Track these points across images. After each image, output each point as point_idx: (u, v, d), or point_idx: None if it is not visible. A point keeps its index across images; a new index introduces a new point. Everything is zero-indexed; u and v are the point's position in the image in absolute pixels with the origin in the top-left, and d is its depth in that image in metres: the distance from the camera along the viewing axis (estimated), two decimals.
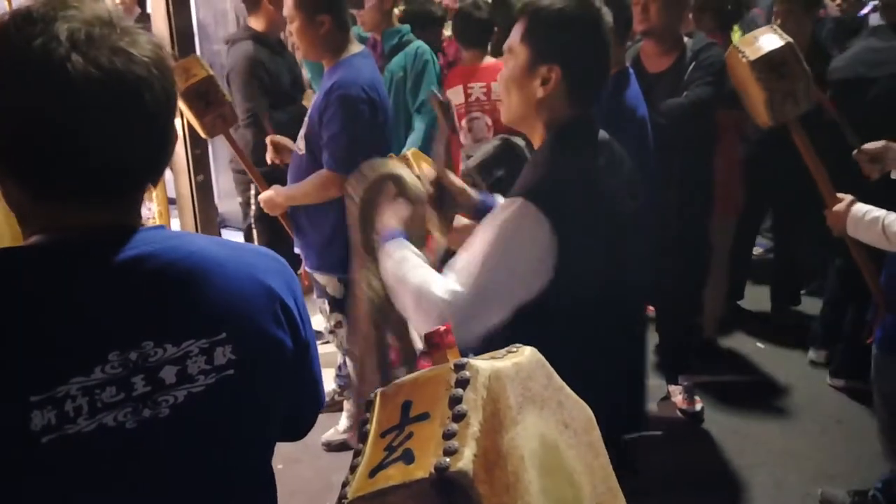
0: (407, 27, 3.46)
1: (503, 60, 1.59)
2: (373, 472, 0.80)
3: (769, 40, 2.21)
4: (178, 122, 1.20)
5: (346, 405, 3.22)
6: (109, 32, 0.88)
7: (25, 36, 0.85)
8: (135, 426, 0.90)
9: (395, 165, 1.76)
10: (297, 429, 1.23)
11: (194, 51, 4.10)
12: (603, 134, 1.64)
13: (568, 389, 0.95)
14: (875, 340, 2.21)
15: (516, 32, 1.55)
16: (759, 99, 2.20)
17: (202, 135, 3.05)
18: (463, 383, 0.82)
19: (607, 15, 1.54)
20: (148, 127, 0.92)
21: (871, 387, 2.29)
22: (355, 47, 2.78)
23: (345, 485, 0.83)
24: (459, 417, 0.79)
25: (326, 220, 2.82)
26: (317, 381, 1.19)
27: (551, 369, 0.94)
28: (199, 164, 4.38)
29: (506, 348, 0.93)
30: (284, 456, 2.95)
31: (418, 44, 3.38)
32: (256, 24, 3.60)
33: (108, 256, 0.91)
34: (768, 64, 2.16)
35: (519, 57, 1.54)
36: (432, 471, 0.75)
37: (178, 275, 0.94)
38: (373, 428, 0.87)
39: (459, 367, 0.84)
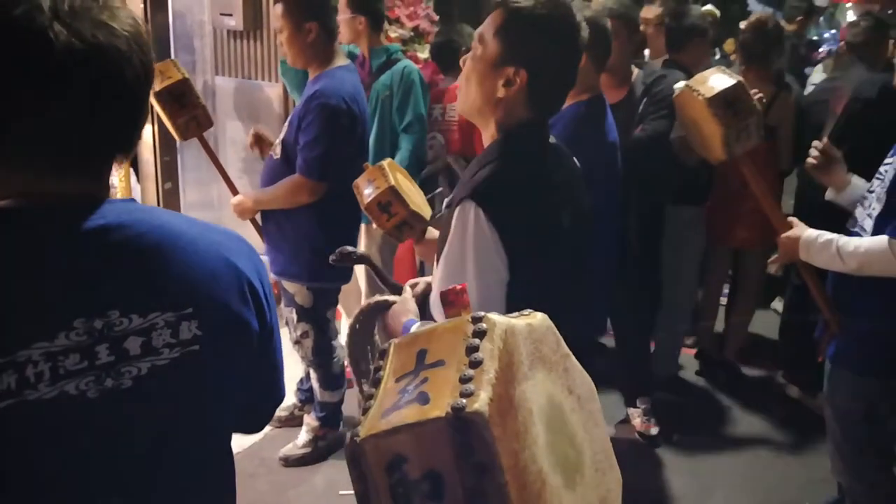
0: (396, 46, 3.53)
1: (472, 47, 1.56)
2: (386, 413, 0.82)
3: (721, 79, 2.32)
4: (148, 127, 1.21)
5: (307, 419, 3.18)
6: (91, 6, 0.89)
7: (7, 3, 0.85)
8: (96, 396, 0.89)
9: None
10: (255, 419, 1.22)
11: (169, 55, 4.13)
12: (555, 141, 1.63)
13: (573, 358, 0.98)
14: (827, 357, 2.28)
15: (491, 23, 1.50)
16: (715, 135, 2.28)
17: (175, 137, 3.04)
18: (480, 334, 0.85)
19: (584, 30, 1.53)
20: (125, 100, 0.93)
21: (824, 403, 2.37)
22: (342, 60, 2.83)
23: (355, 427, 0.84)
24: (476, 364, 0.81)
25: (296, 226, 2.83)
26: (278, 371, 1.19)
27: (559, 336, 0.96)
28: (168, 171, 4.37)
29: (518, 312, 0.95)
30: (241, 470, 2.87)
31: (405, 63, 3.44)
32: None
33: (76, 224, 0.91)
34: (724, 101, 2.25)
35: (488, 49, 1.50)
36: (449, 410, 0.77)
37: (146, 246, 0.94)
38: (386, 374, 0.88)
39: (477, 320, 0.86)
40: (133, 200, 1.04)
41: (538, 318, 0.94)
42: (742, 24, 3.96)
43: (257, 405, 1.18)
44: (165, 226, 0.97)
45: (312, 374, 3.09)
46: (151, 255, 0.94)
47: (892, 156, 2.17)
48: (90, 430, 0.90)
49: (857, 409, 2.23)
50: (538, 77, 1.49)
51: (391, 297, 1.57)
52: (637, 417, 3.35)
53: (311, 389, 3.20)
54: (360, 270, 3.34)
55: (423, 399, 0.80)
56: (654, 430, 3.32)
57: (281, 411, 3.33)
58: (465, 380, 0.80)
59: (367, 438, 0.81)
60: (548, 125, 1.61)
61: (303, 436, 3.16)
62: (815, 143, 2.38)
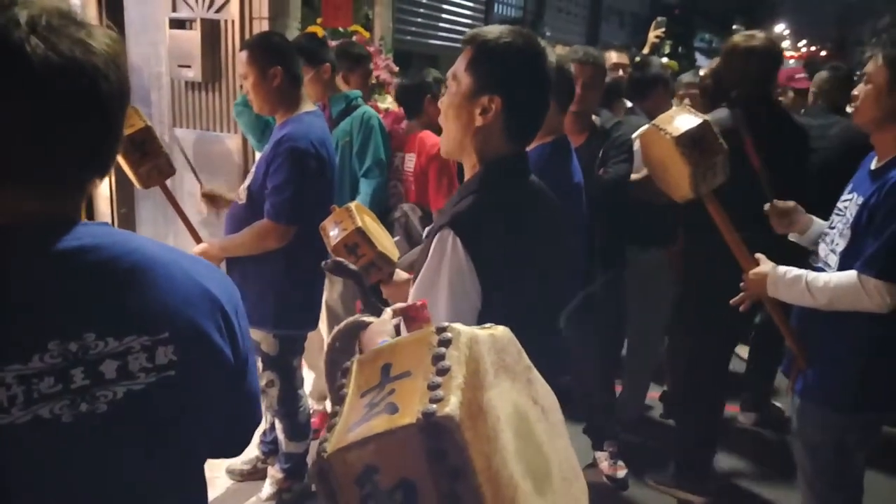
0: (356, 92, 3.58)
1: (448, 86, 1.62)
2: (353, 427, 0.81)
3: (687, 119, 2.37)
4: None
5: (271, 471, 3.10)
6: (68, 23, 0.89)
7: None
8: (71, 420, 0.88)
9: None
10: (233, 444, 1.20)
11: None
12: (535, 178, 1.68)
13: (536, 371, 0.98)
14: (796, 392, 2.29)
15: (462, 60, 1.57)
16: (682, 174, 2.32)
17: (137, 185, 3.02)
18: (445, 343, 0.84)
19: (551, 55, 1.63)
20: (100, 119, 0.92)
21: (793, 438, 2.38)
22: (308, 105, 2.86)
23: (322, 442, 0.82)
24: (443, 371, 0.81)
25: (261, 272, 2.80)
26: (254, 397, 1.18)
27: (521, 348, 0.97)
28: (125, 224, 4.32)
29: (479, 326, 0.95)
30: None
31: (365, 109, 3.50)
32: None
33: (50, 245, 0.90)
34: (691, 140, 2.30)
35: (462, 84, 1.56)
36: (419, 416, 0.76)
37: (121, 269, 0.94)
38: (351, 391, 0.87)
39: (441, 330, 0.86)
40: (107, 224, 1.03)
41: (500, 330, 0.94)
42: (686, 77, 4.14)
43: (234, 431, 1.16)
44: (141, 250, 0.97)
45: (277, 425, 3.03)
46: (128, 278, 0.93)
47: (849, 192, 2.24)
48: (64, 455, 0.88)
49: (826, 442, 2.24)
50: (512, 102, 1.55)
51: (369, 318, 1.57)
52: (604, 461, 3.33)
53: (275, 441, 3.13)
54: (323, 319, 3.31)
55: (392, 409, 0.79)
56: (622, 473, 3.31)
57: (243, 465, 3.24)
58: (433, 387, 0.79)
59: (335, 453, 0.79)
60: (527, 160, 1.66)
61: (267, 489, 3.08)
62: (770, 208, 2.46)
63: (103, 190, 4.18)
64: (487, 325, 0.95)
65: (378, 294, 2.04)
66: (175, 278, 0.98)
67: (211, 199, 3.08)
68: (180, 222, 3.12)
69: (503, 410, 0.84)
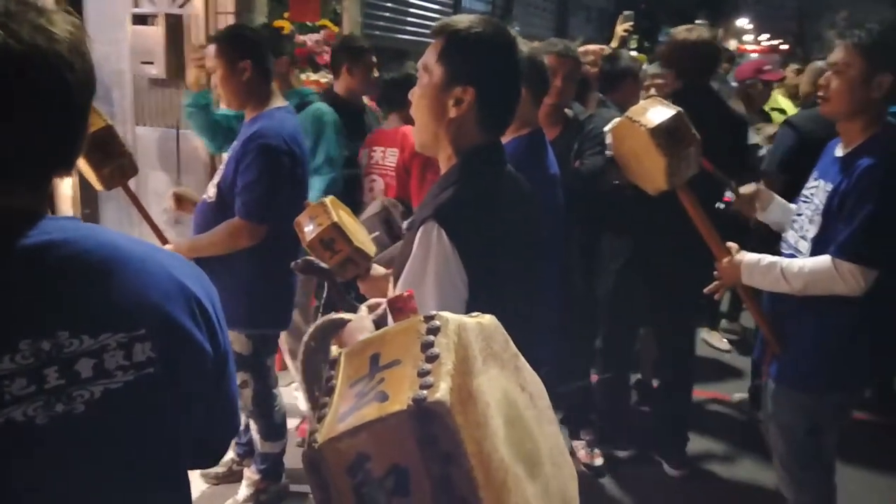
0: (309, 89, 3.57)
1: (419, 78, 1.61)
2: (343, 417, 0.79)
3: (660, 110, 2.38)
4: (67, 180, 1.13)
5: (247, 473, 3.06)
6: (27, 9, 0.86)
7: None
8: (46, 421, 0.85)
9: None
10: (210, 450, 1.18)
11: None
12: (511, 168, 1.68)
13: (522, 358, 0.98)
14: (770, 376, 2.33)
15: (432, 52, 1.56)
16: (658, 165, 2.33)
17: (99, 187, 2.95)
18: (434, 331, 0.84)
19: (522, 45, 1.62)
20: (66, 110, 0.89)
21: (767, 421, 2.41)
22: (279, 101, 2.82)
23: (312, 433, 0.81)
24: (433, 358, 0.80)
25: (232, 271, 2.75)
26: (233, 399, 1.15)
27: (508, 337, 0.96)
28: (87, 197, 4.20)
29: (467, 314, 0.94)
30: None
31: (318, 105, 3.47)
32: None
33: (16, 240, 0.86)
34: (666, 131, 2.30)
35: (434, 75, 1.55)
36: (410, 402, 0.75)
37: (93, 264, 0.91)
38: (339, 382, 0.86)
39: (429, 318, 0.86)
40: (76, 218, 1.00)
41: (487, 318, 0.94)
42: (651, 68, 4.18)
43: (213, 435, 1.13)
44: (113, 244, 0.94)
45: (252, 425, 2.99)
46: (100, 272, 0.90)
47: (815, 179, 2.28)
48: (39, 459, 0.85)
49: (800, 424, 2.28)
50: (485, 92, 1.54)
51: (346, 315, 1.55)
52: (581, 449, 3.36)
53: (249, 442, 3.10)
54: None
55: (382, 397, 0.78)
56: (599, 461, 3.34)
57: (218, 467, 3.20)
58: (423, 373, 0.78)
59: (327, 443, 0.78)
60: (503, 150, 1.65)
61: (243, 491, 3.04)
62: (736, 201, 2.50)
63: (66, 190, 4.09)
64: (474, 313, 0.94)
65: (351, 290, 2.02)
66: (150, 273, 0.95)
67: (180, 199, 3.02)
68: (146, 224, 3.07)
69: (492, 396, 0.84)
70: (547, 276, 2.11)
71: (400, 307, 0.94)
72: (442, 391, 0.76)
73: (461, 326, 0.86)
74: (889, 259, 2.07)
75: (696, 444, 3.64)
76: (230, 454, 3.22)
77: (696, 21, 5.47)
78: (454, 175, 1.57)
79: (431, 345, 0.82)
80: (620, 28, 5.00)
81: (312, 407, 1.54)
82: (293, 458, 3.12)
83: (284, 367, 4.01)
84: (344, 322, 1.57)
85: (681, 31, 3.20)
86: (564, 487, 0.94)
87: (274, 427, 2.98)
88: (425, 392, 0.76)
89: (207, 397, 1.04)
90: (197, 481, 3.17)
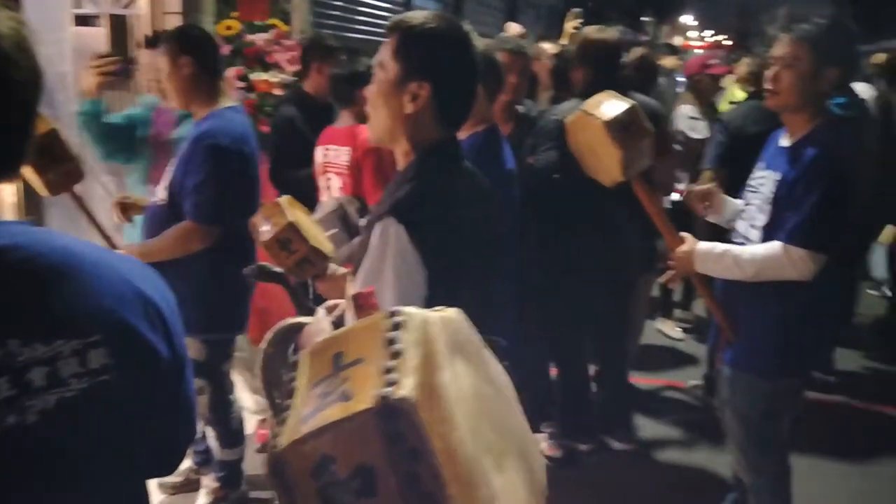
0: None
1: (374, 74, 1.60)
2: (306, 418, 0.77)
3: (614, 103, 2.41)
4: (8, 187, 1.08)
5: (205, 482, 3.00)
6: None
7: None
8: None
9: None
10: (167, 459, 1.14)
11: None
12: (469, 164, 1.68)
13: (487, 350, 0.97)
14: (725, 362, 2.37)
15: (388, 48, 1.56)
16: (613, 158, 2.35)
17: (43, 193, 2.85)
18: (397, 326, 0.83)
19: (477, 41, 1.60)
20: (11, 111, 0.85)
21: (723, 407, 2.45)
22: (228, 100, 2.76)
23: (274, 436, 0.79)
24: (397, 355, 0.79)
25: (184, 275, 2.67)
26: (191, 405, 1.12)
27: (473, 329, 0.96)
28: (31, 203, 4.06)
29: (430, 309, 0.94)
30: None
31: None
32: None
33: None
34: (621, 123, 2.33)
35: (389, 71, 1.54)
36: (376, 400, 0.74)
37: (44, 269, 0.87)
38: (301, 383, 0.84)
39: (393, 314, 0.84)
40: (26, 222, 0.96)
41: (451, 312, 0.93)
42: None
43: (170, 442, 1.09)
44: (65, 248, 0.90)
45: (209, 432, 2.93)
46: (52, 278, 0.87)
47: (762, 170, 2.32)
48: None
49: (756, 408, 2.32)
50: (441, 87, 1.53)
51: (305, 319, 1.52)
52: (542, 442, 3.38)
53: (207, 450, 3.03)
54: None
55: (346, 396, 0.77)
56: (559, 454, 3.37)
57: (175, 476, 3.13)
58: (387, 370, 0.77)
59: (290, 445, 0.76)
60: (460, 145, 1.65)
61: (202, 499, 2.98)
62: (687, 195, 2.54)
63: (8, 197, 3.94)
64: (438, 308, 0.93)
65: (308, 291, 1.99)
66: (104, 277, 0.92)
67: (124, 207, 2.94)
68: (94, 230, 2.98)
69: (459, 390, 0.83)
70: (504, 271, 2.11)
71: (362, 304, 0.92)
72: (407, 387, 0.75)
73: (425, 321, 0.85)
74: (837, 244, 2.13)
75: (653, 431, 3.72)
76: (187, 463, 3.15)
77: (642, 18, 5.55)
78: (411, 171, 1.56)
79: (395, 341, 0.80)
80: (570, 25, 5.04)
81: (274, 413, 1.52)
82: (253, 465, 3.07)
83: None
84: (301, 326, 1.55)
85: (592, 31, 3.34)
86: (533, 477, 0.94)
87: (231, 434, 2.93)
88: (391, 389, 0.74)
89: (165, 404, 1.01)
90: (154, 491, 3.10)
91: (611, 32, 3.32)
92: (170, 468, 1.17)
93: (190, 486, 3.12)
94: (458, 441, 0.77)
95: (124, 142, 3.22)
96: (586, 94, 3.04)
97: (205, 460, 3.07)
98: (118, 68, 2.97)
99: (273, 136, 3.74)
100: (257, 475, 3.01)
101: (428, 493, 0.72)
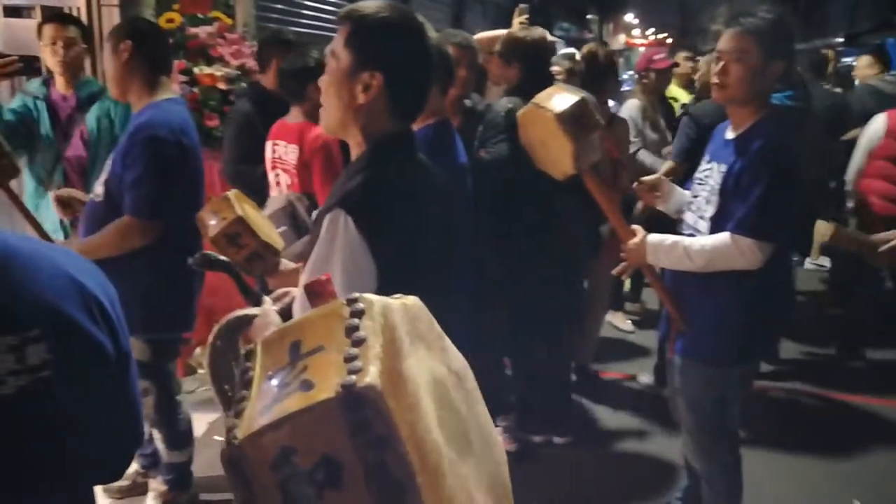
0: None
1: (326, 64, 1.57)
2: (264, 410, 0.74)
3: (565, 96, 2.41)
4: None
5: (153, 485, 2.92)
6: None
7: None
8: None
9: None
10: (113, 464, 1.10)
11: None
12: (423, 156, 1.66)
13: (447, 339, 0.95)
14: (676, 352, 2.40)
15: (340, 37, 1.53)
16: (565, 150, 2.35)
17: None
18: (358, 313, 0.80)
19: (430, 31, 1.58)
20: None
21: (675, 395, 2.48)
22: (168, 92, 2.68)
23: (231, 429, 0.75)
24: (359, 342, 0.76)
25: (125, 273, 2.56)
26: (137, 406, 1.08)
27: (432, 317, 0.94)
28: None
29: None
30: None
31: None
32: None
33: None
34: (571, 116, 2.34)
35: (342, 61, 1.52)
36: (339, 389, 0.71)
37: None
38: (257, 373, 0.81)
39: (353, 301, 0.82)
40: None
41: (411, 300, 0.91)
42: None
43: (115, 444, 1.04)
44: (0, 241, 0.86)
45: (156, 435, 2.85)
46: None
47: (708, 162, 2.36)
48: None
49: (708, 397, 2.35)
50: (394, 77, 1.51)
51: (252, 311, 1.48)
52: (498, 435, 3.38)
53: (154, 453, 2.95)
54: None
55: (307, 386, 0.74)
56: (513, 447, 3.38)
57: (121, 480, 3.03)
58: (350, 358, 0.74)
59: (248, 438, 0.73)
60: (414, 137, 1.63)
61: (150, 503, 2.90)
62: (637, 186, 2.56)
63: None
64: (396, 296, 0.91)
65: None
66: (42, 270, 0.88)
67: (64, 203, 2.83)
68: (29, 227, 2.86)
69: (422, 378, 0.81)
70: (460, 263, 2.09)
71: (318, 292, 0.89)
72: (372, 375, 0.72)
73: (386, 308, 0.82)
74: (783, 233, 2.17)
75: (607, 423, 3.77)
76: (134, 466, 3.06)
77: (587, 16, 5.61)
78: (363, 162, 1.54)
79: (357, 328, 0.78)
80: (517, 21, 5.06)
81: (226, 407, 1.48)
82: (203, 467, 3.00)
83: (188, 373, 3.85)
84: (251, 318, 1.50)
85: (519, 31, 3.45)
86: (496, 468, 0.93)
87: (179, 435, 2.85)
88: (354, 377, 0.72)
89: (109, 403, 0.97)
90: (100, 497, 2.99)
91: (538, 30, 3.41)
92: (116, 473, 1.12)
93: (137, 489, 3.04)
94: (424, 429, 0.75)
95: (21, 139, 3.15)
96: (520, 90, 3.16)
97: (152, 463, 2.99)
98: (17, 69, 2.87)
99: (228, 131, 3.67)
100: (208, 477, 2.94)
101: (396, 482, 0.70)
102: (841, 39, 15.58)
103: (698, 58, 5.11)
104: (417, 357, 0.82)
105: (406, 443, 0.71)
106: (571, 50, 4.87)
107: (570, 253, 3.32)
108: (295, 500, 0.71)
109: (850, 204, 4.40)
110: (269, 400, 0.75)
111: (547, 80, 3.16)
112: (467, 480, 0.82)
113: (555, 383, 3.56)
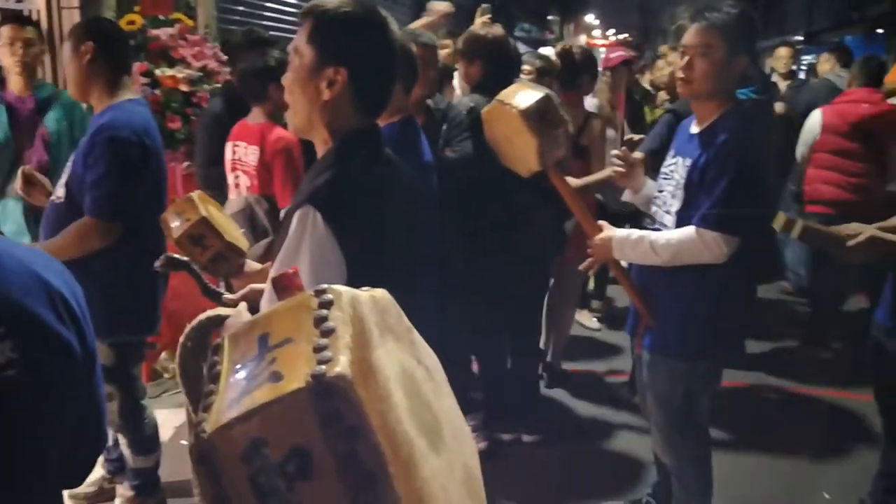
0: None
1: (290, 61, 1.56)
2: (232, 403, 0.73)
3: (529, 93, 2.42)
4: None
5: (120, 491, 2.87)
6: None
7: None
8: None
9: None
10: (77, 468, 1.07)
11: None
12: (389, 152, 1.66)
13: (417, 332, 0.95)
14: (644, 347, 2.41)
15: (302, 34, 1.52)
16: (530, 146, 2.36)
17: None
18: (327, 304, 0.79)
19: (394, 25, 1.58)
20: None
21: (643, 391, 2.50)
22: (130, 93, 2.65)
23: (199, 423, 0.74)
24: (328, 332, 0.76)
25: (87, 275, 2.51)
26: (101, 409, 1.06)
27: (401, 310, 0.94)
28: None
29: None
30: None
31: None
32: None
33: None
34: (536, 112, 2.35)
35: (305, 57, 1.51)
36: (309, 379, 0.70)
37: None
38: (225, 367, 0.80)
39: (321, 292, 0.81)
40: None
41: (379, 292, 0.91)
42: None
43: (80, 448, 1.02)
44: None
45: (121, 440, 2.80)
46: None
47: (673, 157, 2.38)
48: None
49: (676, 391, 2.37)
50: (358, 73, 1.50)
51: (224, 311, 1.46)
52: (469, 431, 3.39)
53: (121, 458, 2.89)
54: None
55: (276, 377, 0.73)
56: (482, 445, 3.36)
57: (88, 487, 2.97)
58: (319, 348, 0.74)
59: (217, 431, 0.72)
60: (380, 133, 1.62)
61: None
62: (615, 151, 2.56)
63: None
64: (365, 288, 0.91)
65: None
66: (6, 267, 0.86)
67: (30, 182, 2.77)
68: None
69: (392, 369, 0.81)
70: (426, 260, 2.09)
71: (286, 285, 0.88)
72: (342, 364, 0.72)
73: (355, 299, 0.82)
74: (747, 226, 2.19)
75: (577, 420, 3.79)
76: (100, 472, 3.01)
77: (548, 17, 5.65)
78: (330, 159, 1.53)
79: (326, 319, 0.77)
80: (479, 21, 5.08)
81: (194, 403, 1.46)
82: (170, 472, 2.95)
83: (153, 378, 3.80)
84: (222, 318, 1.49)
85: (479, 29, 3.48)
86: (466, 462, 0.92)
87: (144, 440, 2.80)
88: (324, 367, 0.71)
89: (75, 403, 0.95)
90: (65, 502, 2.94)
91: (497, 28, 3.45)
92: (79, 477, 1.10)
93: (104, 495, 2.98)
94: (395, 419, 0.75)
95: None
96: (482, 87, 3.18)
97: (118, 468, 2.94)
98: None
99: (199, 131, 3.65)
100: (176, 481, 2.89)
101: (368, 471, 0.70)
102: (801, 38, 15.89)
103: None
104: (387, 349, 0.82)
105: (377, 433, 0.71)
106: (549, 49, 4.90)
107: (536, 250, 3.34)
108: (266, 493, 0.70)
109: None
110: (238, 392, 0.74)
111: (510, 78, 3.17)
112: (440, 472, 0.82)
113: (522, 381, 3.58)
